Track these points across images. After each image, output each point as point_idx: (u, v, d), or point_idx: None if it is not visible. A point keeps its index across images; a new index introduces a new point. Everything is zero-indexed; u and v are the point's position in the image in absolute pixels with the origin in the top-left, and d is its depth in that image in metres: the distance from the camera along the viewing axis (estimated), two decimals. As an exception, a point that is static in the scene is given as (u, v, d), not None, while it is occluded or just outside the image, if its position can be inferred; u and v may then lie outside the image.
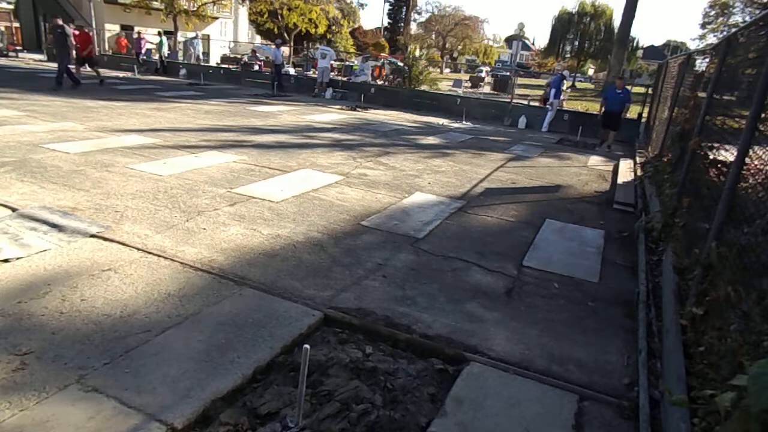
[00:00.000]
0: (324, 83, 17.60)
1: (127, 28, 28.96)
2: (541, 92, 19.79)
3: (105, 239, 3.88)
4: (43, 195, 4.74)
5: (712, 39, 36.40)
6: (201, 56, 25.21)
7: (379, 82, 21.43)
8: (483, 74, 35.29)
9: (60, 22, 12.49)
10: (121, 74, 19.62)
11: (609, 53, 26.17)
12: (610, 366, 2.90)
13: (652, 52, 61.31)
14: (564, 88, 14.66)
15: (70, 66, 12.94)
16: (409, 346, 2.90)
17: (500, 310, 3.42)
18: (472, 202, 5.99)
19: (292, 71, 22.30)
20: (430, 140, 10.42)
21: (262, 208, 5.02)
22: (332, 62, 20.66)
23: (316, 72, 18.38)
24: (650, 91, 14.36)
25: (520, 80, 32.00)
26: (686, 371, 2.47)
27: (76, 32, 13.71)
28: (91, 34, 14.31)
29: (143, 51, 21.22)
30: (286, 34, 34.59)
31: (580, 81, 49.69)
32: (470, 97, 18.06)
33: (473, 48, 61.43)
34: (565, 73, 15.14)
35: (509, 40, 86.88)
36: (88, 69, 14.36)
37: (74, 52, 12.96)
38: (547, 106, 13.94)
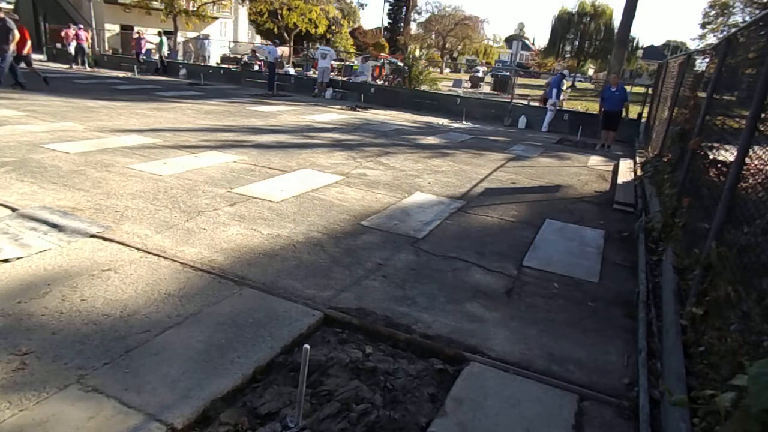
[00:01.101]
0: (324, 83, 17.62)
1: (127, 28, 28.98)
2: (540, 92, 19.78)
3: (105, 239, 3.88)
4: (43, 195, 4.74)
5: (712, 39, 36.42)
6: (209, 57, 25.19)
7: (379, 82, 21.44)
8: (480, 74, 35.23)
9: (1, 15, 12.11)
10: (121, 74, 19.63)
11: (609, 53, 26.16)
12: (610, 366, 2.90)
13: (652, 52, 61.32)
14: (564, 87, 14.65)
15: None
16: (409, 346, 2.90)
17: (500, 310, 3.42)
18: (472, 202, 5.99)
19: (292, 71, 22.30)
20: (430, 140, 10.42)
21: (262, 208, 5.02)
22: (333, 62, 20.66)
23: (317, 72, 18.41)
24: (650, 91, 14.35)
25: (520, 80, 32.00)
26: (686, 371, 2.47)
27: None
28: (25, 30, 13.47)
29: (143, 51, 21.24)
30: (286, 34, 34.58)
31: (580, 81, 49.69)
32: (470, 97, 18.06)
33: (473, 48, 61.43)
34: (565, 72, 15.12)
35: (509, 40, 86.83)
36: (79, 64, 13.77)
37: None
38: (548, 106, 13.92)
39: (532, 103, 16.16)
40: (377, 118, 13.20)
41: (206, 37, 25.76)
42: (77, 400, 2.17)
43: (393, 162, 7.79)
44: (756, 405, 1.46)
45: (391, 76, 22.04)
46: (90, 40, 22.58)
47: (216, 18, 34.78)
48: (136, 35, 21.61)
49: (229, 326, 2.85)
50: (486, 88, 29.56)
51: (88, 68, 20.93)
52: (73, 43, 21.78)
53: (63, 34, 21.73)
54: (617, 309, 3.63)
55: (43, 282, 3.13)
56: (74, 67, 20.59)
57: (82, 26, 21.84)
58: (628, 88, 11.65)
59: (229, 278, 3.45)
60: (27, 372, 2.31)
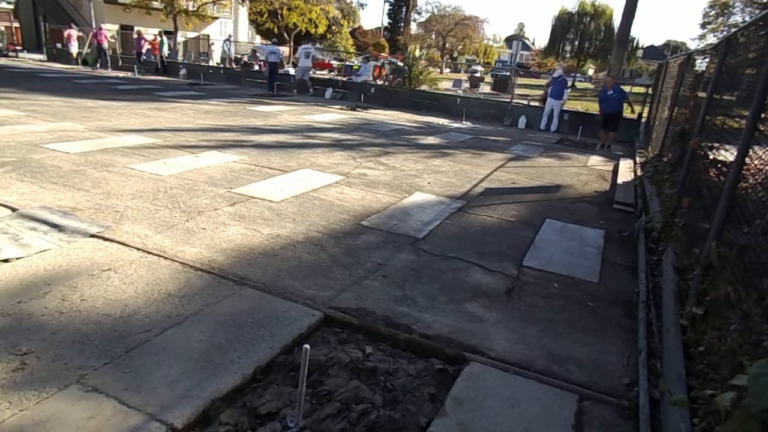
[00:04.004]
0: (306, 80, 17.57)
1: (127, 28, 28.99)
2: (540, 92, 19.75)
3: (105, 239, 3.88)
4: (43, 195, 4.74)
5: (712, 39, 36.43)
6: (232, 57, 25.09)
7: (379, 82, 21.42)
8: (477, 74, 35.08)
9: None
10: (121, 74, 19.63)
11: (609, 53, 26.18)
12: (610, 366, 2.90)
13: (652, 52, 61.30)
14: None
15: None
16: (409, 346, 2.90)
17: (500, 310, 3.42)
18: (472, 202, 5.99)
19: (292, 71, 22.29)
20: (430, 140, 10.42)
21: (262, 208, 5.02)
22: (332, 62, 20.61)
23: (296, 71, 18.28)
24: (650, 91, 14.35)
25: (520, 80, 31.97)
26: (686, 371, 2.47)
27: None
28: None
29: (143, 51, 21.21)
30: (286, 34, 34.58)
31: (580, 81, 49.65)
32: (470, 97, 18.06)
33: (473, 48, 61.43)
34: (560, 73, 14.75)
35: (509, 40, 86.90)
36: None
37: None
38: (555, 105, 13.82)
39: (532, 103, 16.14)
40: (377, 118, 13.20)
41: (229, 38, 25.60)
42: (77, 400, 2.17)
43: (393, 162, 7.79)
44: (756, 405, 1.46)
45: (391, 76, 22.00)
46: (83, 39, 22.57)
47: (216, 18, 34.78)
48: (135, 35, 21.58)
49: (229, 326, 2.85)
50: (486, 88, 29.54)
51: (110, 69, 20.90)
52: (75, 44, 21.77)
53: (66, 34, 21.74)
54: (617, 309, 3.63)
55: (43, 282, 3.14)
56: (106, 69, 20.56)
57: (102, 27, 21.87)
58: (627, 89, 11.65)
59: (229, 278, 3.45)
60: (27, 372, 2.31)
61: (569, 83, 15.00)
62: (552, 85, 13.61)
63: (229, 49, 24.20)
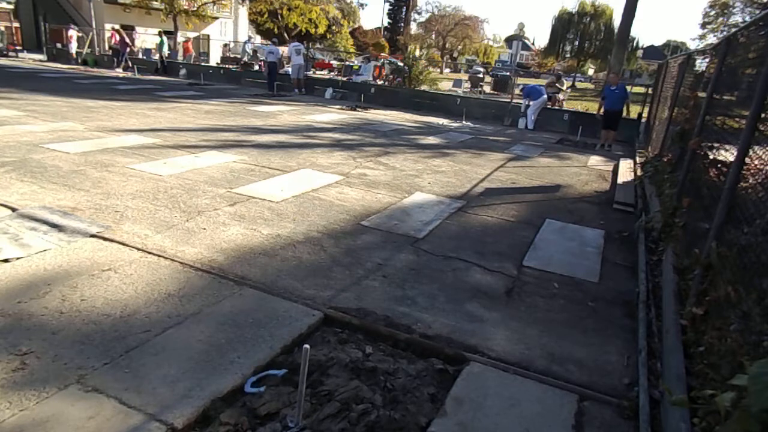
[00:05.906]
0: (301, 80, 17.50)
1: (127, 28, 29.00)
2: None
3: (105, 239, 3.88)
4: (43, 195, 4.74)
5: (712, 39, 36.45)
6: (250, 56, 25.10)
7: (379, 82, 21.42)
8: (479, 74, 35.03)
9: None
10: (121, 74, 19.63)
11: (609, 53, 26.14)
12: (610, 366, 2.90)
13: (652, 52, 61.27)
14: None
15: None
16: (409, 346, 2.90)
17: (500, 310, 3.42)
18: (472, 202, 5.99)
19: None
20: (430, 140, 10.42)
21: (262, 208, 5.02)
22: (332, 62, 20.57)
23: (291, 69, 18.22)
24: (650, 91, 14.34)
25: (520, 80, 31.93)
26: (686, 371, 2.47)
27: None
28: None
29: (127, 50, 21.18)
30: (286, 34, 34.58)
31: (580, 81, 49.64)
32: (470, 97, 18.07)
33: (473, 48, 61.44)
34: (541, 84, 15.07)
35: (509, 40, 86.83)
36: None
37: None
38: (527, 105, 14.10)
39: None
40: (377, 118, 13.20)
41: (249, 39, 25.54)
42: (77, 400, 2.17)
43: (393, 162, 7.79)
44: (756, 405, 1.46)
45: (391, 76, 22.00)
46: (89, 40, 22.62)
47: (216, 18, 34.76)
48: (118, 35, 21.43)
49: (229, 326, 2.85)
50: (486, 88, 29.51)
51: (122, 71, 20.91)
52: (74, 44, 21.79)
53: (68, 35, 21.77)
54: (617, 309, 3.63)
55: (43, 282, 3.13)
56: (120, 71, 20.59)
57: (119, 27, 21.93)
58: (628, 88, 11.67)
59: (229, 278, 3.45)
60: (27, 372, 2.31)
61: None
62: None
63: (247, 52, 24.22)
